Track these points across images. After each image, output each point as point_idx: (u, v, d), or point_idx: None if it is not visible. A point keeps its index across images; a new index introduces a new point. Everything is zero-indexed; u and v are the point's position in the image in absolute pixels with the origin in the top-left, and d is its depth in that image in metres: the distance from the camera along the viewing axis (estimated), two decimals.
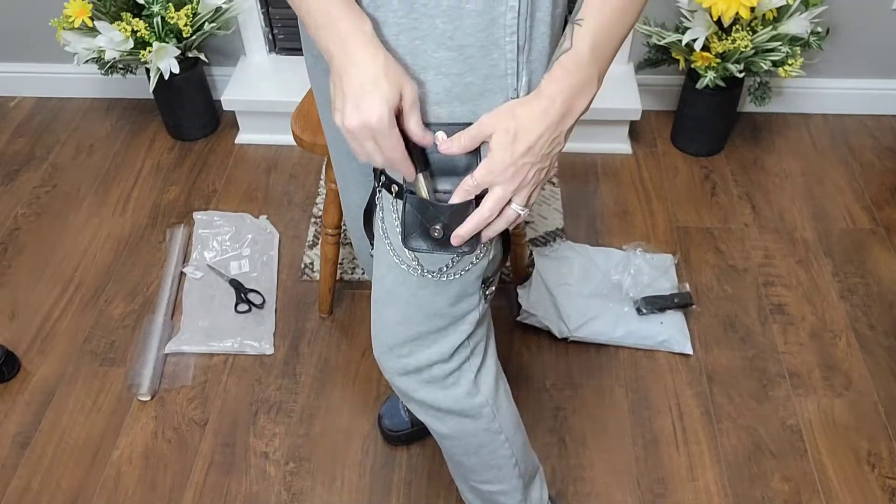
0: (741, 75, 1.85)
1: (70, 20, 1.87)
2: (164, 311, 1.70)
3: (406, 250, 0.84)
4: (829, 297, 1.72)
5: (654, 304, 1.63)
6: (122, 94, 2.33)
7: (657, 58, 1.98)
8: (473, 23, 0.70)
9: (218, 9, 1.96)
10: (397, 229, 0.84)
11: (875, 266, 1.79)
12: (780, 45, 1.80)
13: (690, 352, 1.61)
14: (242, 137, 2.17)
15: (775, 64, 1.83)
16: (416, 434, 1.47)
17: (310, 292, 1.76)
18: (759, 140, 2.14)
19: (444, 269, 0.86)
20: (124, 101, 2.33)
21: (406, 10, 0.70)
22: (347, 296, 1.75)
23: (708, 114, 2.02)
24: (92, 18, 1.88)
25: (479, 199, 0.77)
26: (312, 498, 1.41)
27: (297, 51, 2.17)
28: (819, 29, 1.87)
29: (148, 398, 1.56)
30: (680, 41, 1.85)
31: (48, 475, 1.45)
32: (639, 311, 1.63)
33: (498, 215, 0.77)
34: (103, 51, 1.89)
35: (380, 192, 0.86)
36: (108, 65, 1.94)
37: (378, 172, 0.84)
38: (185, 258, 1.83)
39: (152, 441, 1.49)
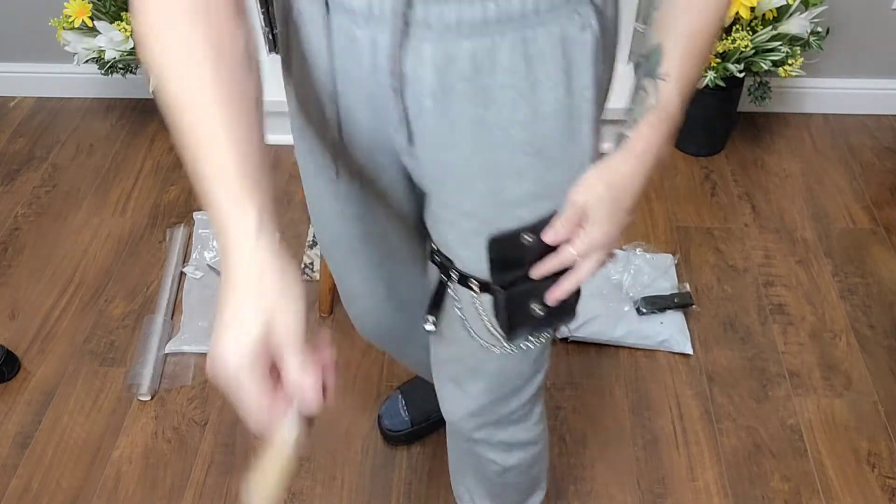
0: (741, 75, 1.85)
1: (70, 20, 1.87)
2: (164, 311, 1.70)
3: (494, 332, 0.82)
4: (829, 297, 1.72)
5: (654, 304, 1.63)
6: (122, 94, 2.33)
7: None
8: (552, 125, 0.68)
9: None
10: (484, 320, 0.81)
11: (875, 266, 1.79)
12: (780, 45, 1.80)
13: (690, 352, 1.61)
14: None
15: (775, 64, 1.83)
16: (416, 434, 1.47)
17: (310, 292, 1.76)
18: (759, 140, 2.14)
19: (531, 338, 0.85)
20: (124, 101, 2.33)
21: (476, 125, 0.67)
22: None
23: (708, 114, 2.02)
24: (92, 18, 1.88)
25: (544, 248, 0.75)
26: (312, 498, 1.41)
27: None
28: (819, 29, 1.87)
29: (148, 398, 1.56)
30: None
31: (48, 475, 1.45)
32: (639, 311, 1.63)
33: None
34: (103, 51, 1.89)
35: (449, 286, 0.82)
36: (108, 65, 1.94)
37: (446, 268, 0.80)
38: (185, 258, 1.83)
39: (152, 441, 1.49)
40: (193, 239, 1.87)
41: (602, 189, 0.70)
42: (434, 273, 0.85)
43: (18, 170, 2.10)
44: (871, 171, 2.04)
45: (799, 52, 1.82)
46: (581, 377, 1.58)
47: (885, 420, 1.50)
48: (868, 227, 1.88)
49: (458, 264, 0.79)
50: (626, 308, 1.64)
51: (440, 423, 1.47)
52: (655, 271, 1.71)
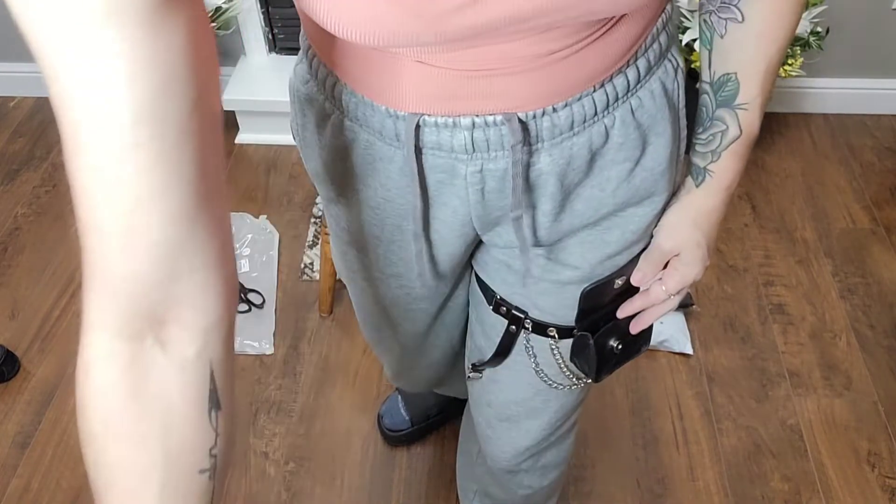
0: None
1: None
2: None
3: (569, 373, 0.82)
4: (829, 297, 1.72)
5: None
6: None
7: None
8: (660, 175, 0.66)
9: (218, 8, 1.96)
10: (561, 365, 0.81)
11: (875, 266, 1.79)
12: None
13: (690, 352, 1.61)
14: (242, 137, 2.17)
15: None
16: (417, 434, 1.47)
17: (310, 292, 1.76)
18: (759, 140, 2.13)
19: None
20: None
21: (591, 199, 0.66)
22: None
23: None
24: None
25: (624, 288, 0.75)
26: (312, 498, 1.41)
27: (297, 50, 2.17)
28: (819, 29, 1.87)
29: None
30: (680, 41, 1.85)
31: (48, 475, 1.45)
32: None
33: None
34: None
35: (525, 337, 0.81)
36: None
37: (519, 319, 0.78)
38: None
39: None
40: None
41: (691, 230, 0.69)
42: (494, 324, 0.82)
43: (18, 170, 2.10)
44: (871, 171, 2.04)
45: (799, 52, 1.82)
46: None
47: (885, 420, 1.50)
48: (868, 227, 1.88)
49: (533, 314, 0.77)
50: None
51: (440, 422, 1.47)
52: None
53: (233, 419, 0.48)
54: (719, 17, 0.60)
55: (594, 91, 0.58)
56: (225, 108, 2.08)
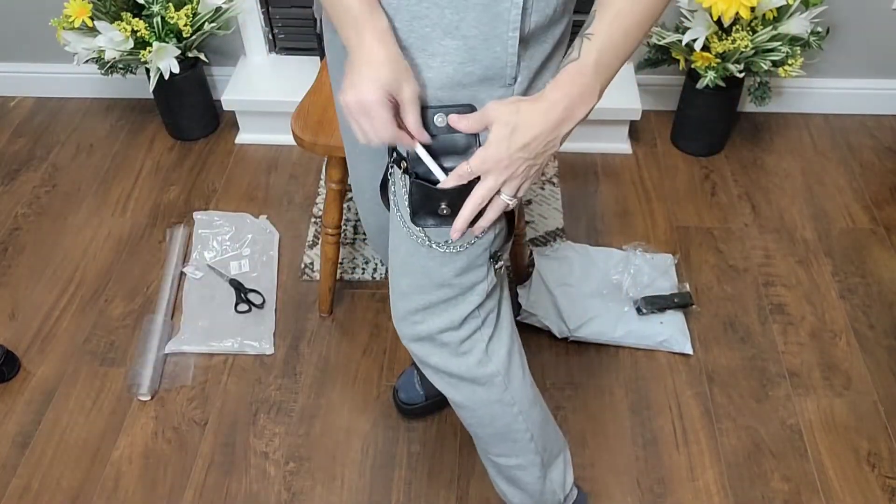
0: (741, 75, 1.85)
1: (70, 20, 1.87)
2: (164, 311, 1.70)
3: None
4: (829, 297, 1.72)
5: (654, 304, 1.63)
6: (122, 94, 2.33)
7: (657, 58, 1.98)
8: (478, 16, 0.74)
9: (218, 9, 1.96)
10: (406, 204, 0.88)
11: (875, 266, 1.79)
12: (780, 45, 1.80)
13: (690, 352, 1.61)
14: (242, 137, 2.17)
15: (775, 64, 1.83)
16: (430, 407, 1.49)
17: (310, 292, 1.76)
18: (759, 140, 2.14)
19: (450, 241, 0.90)
20: (124, 101, 2.33)
21: None
22: (347, 295, 1.75)
23: (708, 114, 2.02)
24: (92, 18, 1.88)
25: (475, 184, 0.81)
26: (312, 498, 1.41)
27: (297, 50, 2.17)
28: (819, 29, 1.87)
29: (148, 398, 1.56)
30: (680, 41, 1.85)
31: (48, 475, 1.45)
32: (639, 311, 1.63)
33: (488, 204, 0.82)
34: (103, 51, 1.89)
35: (392, 166, 0.89)
36: (108, 65, 1.94)
37: (391, 147, 0.87)
38: (185, 258, 1.83)
39: (152, 441, 1.50)
40: (193, 239, 1.87)
41: (512, 114, 0.76)
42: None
43: (18, 170, 2.10)
44: (870, 171, 2.04)
45: (799, 52, 1.83)
46: (581, 377, 1.58)
47: (885, 420, 1.50)
48: (868, 227, 1.88)
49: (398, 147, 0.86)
50: (626, 308, 1.64)
51: None
52: (655, 271, 1.71)
53: None
54: None
55: None
56: (225, 108, 2.08)
